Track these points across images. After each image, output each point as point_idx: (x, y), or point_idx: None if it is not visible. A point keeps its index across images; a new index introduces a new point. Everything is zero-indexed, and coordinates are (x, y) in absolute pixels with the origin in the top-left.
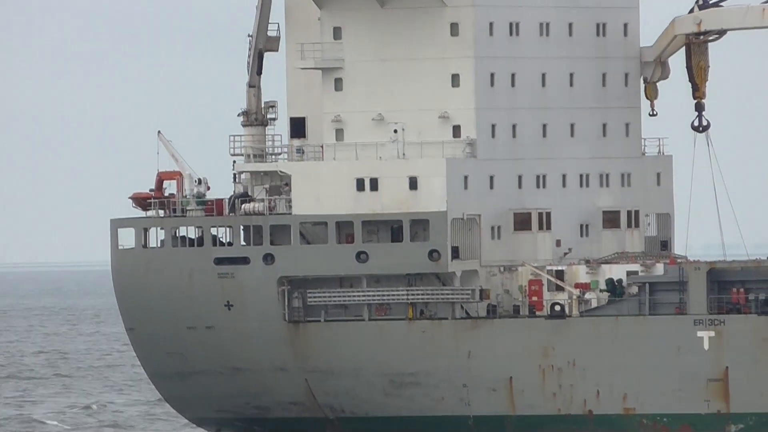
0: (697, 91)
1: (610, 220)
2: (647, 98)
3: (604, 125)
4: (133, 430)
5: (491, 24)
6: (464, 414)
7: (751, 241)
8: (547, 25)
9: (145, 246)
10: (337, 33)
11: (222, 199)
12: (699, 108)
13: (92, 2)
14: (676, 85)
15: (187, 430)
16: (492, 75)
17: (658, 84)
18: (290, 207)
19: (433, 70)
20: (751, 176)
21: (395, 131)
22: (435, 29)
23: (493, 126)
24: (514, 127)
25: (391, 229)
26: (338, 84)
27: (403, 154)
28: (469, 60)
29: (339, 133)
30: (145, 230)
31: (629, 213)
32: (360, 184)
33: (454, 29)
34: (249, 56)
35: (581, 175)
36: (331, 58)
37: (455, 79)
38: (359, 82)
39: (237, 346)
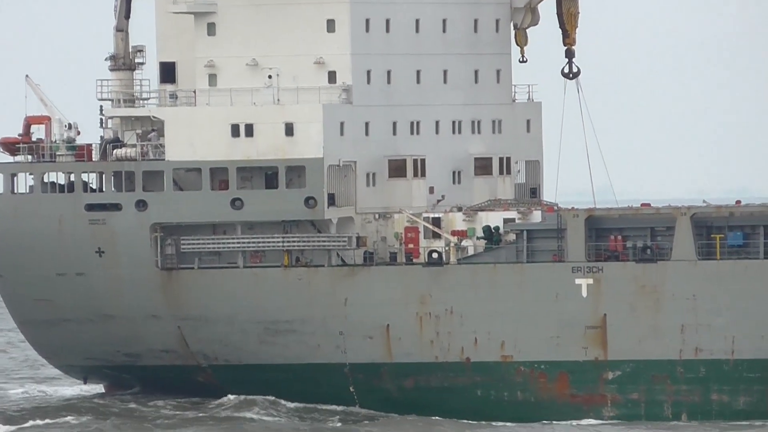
0: (568, 38)
1: (482, 167)
2: (518, 45)
3: (476, 72)
4: None
5: None
6: (340, 362)
7: (620, 188)
8: None
9: (13, 192)
10: None
11: (90, 144)
12: (569, 55)
13: None
14: (546, 31)
15: None
16: (367, 20)
17: (528, 30)
18: (162, 153)
19: (309, 14)
20: (620, 123)
21: (270, 77)
22: None
23: (369, 72)
24: (388, 72)
25: (266, 175)
26: (211, 28)
27: (278, 100)
28: (344, 5)
29: (212, 78)
30: (13, 176)
31: (501, 160)
32: (235, 130)
33: None
34: None
35: (454, 122)
36: (204, 2)
37: (331, 24)
38: (233, 26)
39: (108, 293)
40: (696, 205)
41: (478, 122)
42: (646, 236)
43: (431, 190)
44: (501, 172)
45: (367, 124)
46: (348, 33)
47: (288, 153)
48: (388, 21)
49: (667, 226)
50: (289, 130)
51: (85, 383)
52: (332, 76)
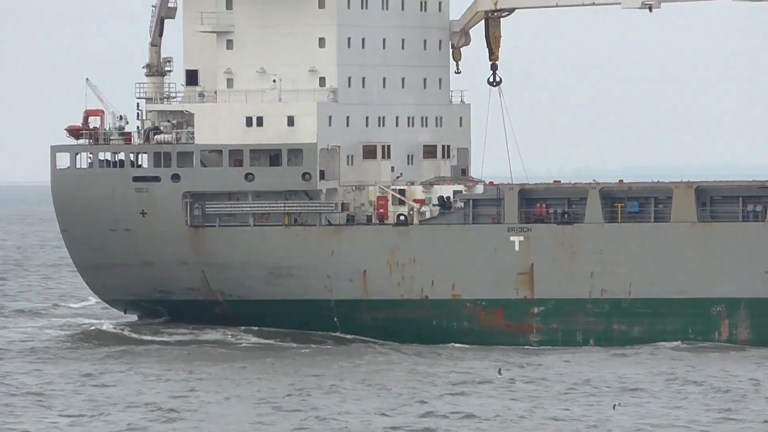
0: (493, 55)
1: (429, 152)
2: (454, 59)
3: (425, 79)
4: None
5: (348, 1)
6: (328, 298)
7: (531, 170)
8: (387, 3)
9: (76, 167)
10: (228, 4)
11: (130, 132)
12: (494, 68)
13: None
14: (476, 50)
15: None
16: (349, 39)
17: (462, 49)
18: (191, 138)
19: (305, 34)
20: (531, 121)
21: (274, 81)
22: (306, 4)
23: (349, 78)
24: (363, 79)
25: (270, 156)
26: (229, 44)
27: (281, 99)
28: (332, 27)
29: (229, 82)
30: (76, 154)
31: (443, 147)
32: (248, 121)
33: (321, 3)
34: (151, 22)
35: (408, 117)
36: (225, 23)
37: (322, 42)
38: (246, 42)
39: (149, 245)
40: (603, 181)
41: (426, 118)
42: (565, 205)
43: (392, 168)
44: (443, 156)
45: (348, 117)
46: (335, 48)
47: (289, 139)
48: (363, 40)
49: (581, 197)
50: (290, 121)
51: (125, 313)
52: (322, 81)
